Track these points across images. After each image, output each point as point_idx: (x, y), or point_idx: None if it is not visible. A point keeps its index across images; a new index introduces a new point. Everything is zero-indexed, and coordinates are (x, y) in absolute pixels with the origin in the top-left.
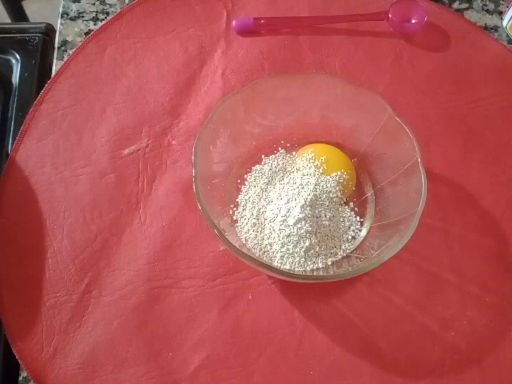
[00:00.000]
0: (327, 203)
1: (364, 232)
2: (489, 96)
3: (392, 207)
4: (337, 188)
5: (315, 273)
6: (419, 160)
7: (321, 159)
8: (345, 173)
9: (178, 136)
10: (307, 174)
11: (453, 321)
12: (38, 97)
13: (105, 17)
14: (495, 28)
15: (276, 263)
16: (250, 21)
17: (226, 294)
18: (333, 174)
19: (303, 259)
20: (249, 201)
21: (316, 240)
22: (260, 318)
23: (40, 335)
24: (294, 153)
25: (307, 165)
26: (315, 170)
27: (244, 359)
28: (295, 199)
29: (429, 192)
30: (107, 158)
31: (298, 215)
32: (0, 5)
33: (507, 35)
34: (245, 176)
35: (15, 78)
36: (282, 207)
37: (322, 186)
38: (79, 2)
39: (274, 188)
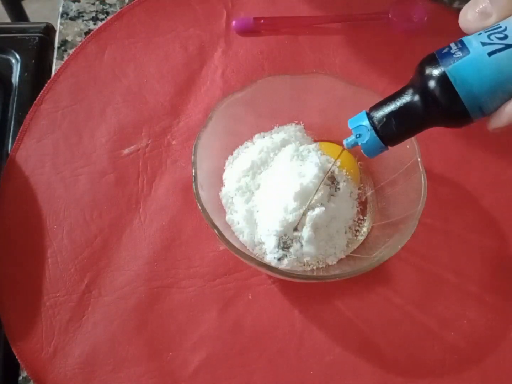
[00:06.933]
0: None
1: (364, 231)
2: None
3: (392, 207)
4: None
5: (315, 273)
6: (419, 160)
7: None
8: (348, 172)
9: (178, 136)
10: None
11: (453, 321)
12: (38, 97)
13: (105, 17)
14: None
15: (275, 262)
16: (250, 21)
17: (226, 294)
18: None
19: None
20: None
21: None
22: (260, 318)
23: (40, 335)
24: None
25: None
26: None
27: (244, 359)
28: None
29: (429, 192)
30: (107, 158)
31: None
32: (0, 5)
33: None
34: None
35: (15, 78)
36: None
37: None
38: (79, 2)
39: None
